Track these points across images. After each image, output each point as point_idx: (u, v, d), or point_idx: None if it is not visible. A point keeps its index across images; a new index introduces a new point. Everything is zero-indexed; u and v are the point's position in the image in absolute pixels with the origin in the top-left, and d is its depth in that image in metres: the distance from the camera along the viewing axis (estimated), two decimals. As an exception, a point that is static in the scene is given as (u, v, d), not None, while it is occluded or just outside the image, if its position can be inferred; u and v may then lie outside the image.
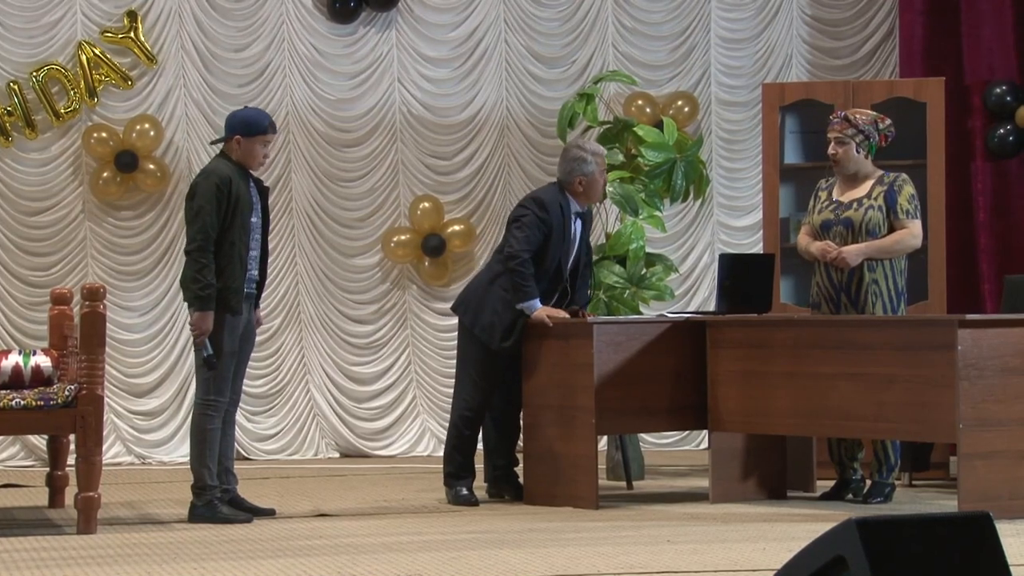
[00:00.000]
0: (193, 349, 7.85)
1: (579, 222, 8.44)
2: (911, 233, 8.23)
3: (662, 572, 6.01)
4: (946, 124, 9.62)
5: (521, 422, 8.52)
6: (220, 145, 8.01)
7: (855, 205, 8.25)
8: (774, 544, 6.73)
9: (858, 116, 8.30)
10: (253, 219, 7.76)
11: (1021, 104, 11.30)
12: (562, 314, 8.24)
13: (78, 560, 6.50)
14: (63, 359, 8.04)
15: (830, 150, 8.31)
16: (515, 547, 6.71)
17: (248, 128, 7.77)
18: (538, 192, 8.53)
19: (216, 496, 7.73)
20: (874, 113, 8.42)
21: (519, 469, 8.56)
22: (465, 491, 8.39)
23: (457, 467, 8.44)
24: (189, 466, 7.86)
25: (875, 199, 8.23)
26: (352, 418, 11.33)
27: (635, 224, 9.54)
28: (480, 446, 8.61)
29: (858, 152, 8.26)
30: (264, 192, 7.93)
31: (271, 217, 10.82)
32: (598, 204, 9.70)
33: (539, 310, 8.21)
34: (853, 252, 8.20)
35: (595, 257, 9.70)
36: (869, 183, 8.29)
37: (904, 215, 8.22)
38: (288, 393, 11.25)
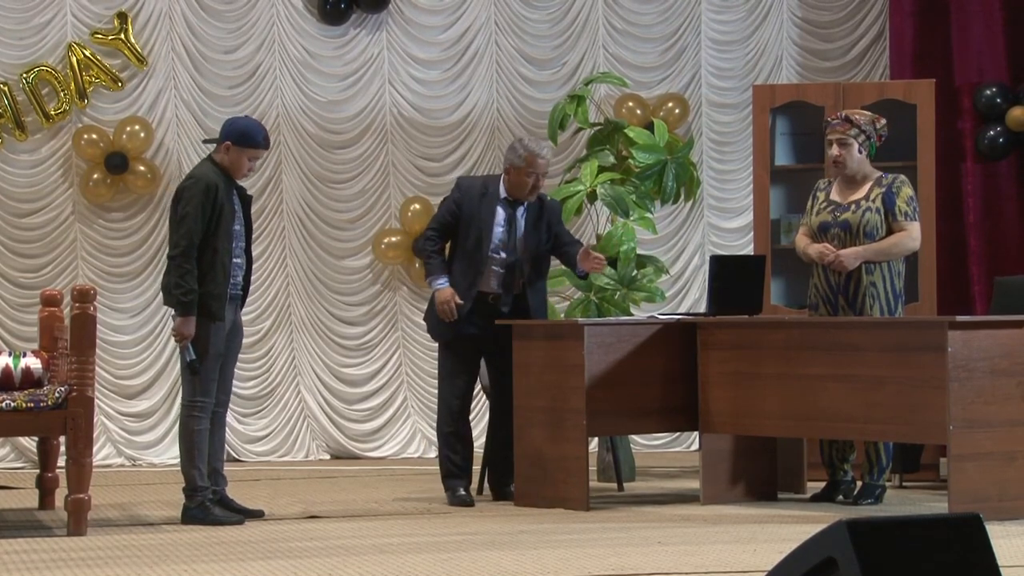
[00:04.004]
0: (178, 353, 7.86)
1: (518, 211, 8.49)
2: (909, 235, 8.21)
3: (653, 573, 6.02)
4: (936, 126, 9.63)
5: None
6: (211, 145, 8.02)
7: (853, 207, 8.23)
8: (765, 545, 6.73)
9: (857, 116, 8.29)
10: (236, 227, 7.75)
11: (1011, 106, 11.32)
12: (448, 310, 8.36)
13: (68, 562, 6.50)
14: (53, 361, 8.03)
15: (834, 152, 8.24)
16: (506, 548, 6.71)
17: (241, 138, 7.76)
18: (469, 176, 8.89)
19: (208, 497, 7.73)
20: (870, 113, 8.41)
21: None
22: (462, 491, 8.42)
23: (448, 467, 8.50)
24: (180, 468, 7.85)
25: (873, 201, 8.22)
26: (343, 420, 11.32)
27: (626, 226, 9.54)
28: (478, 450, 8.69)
29: (860, 152, 8.24)
30: (247, 201, 7.92)
31: (258, 222, 10.90)
32: (589, 205, 9.70)
33: (443, 290, 8.40)
34: (851, 255, 8.18)
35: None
36: (868, 185, 8.27)
37: (902, 217, 8.20)
38: (279, 395, 11.25)
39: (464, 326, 8.47)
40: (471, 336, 8.48)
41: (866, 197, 8.24)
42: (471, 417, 8.76)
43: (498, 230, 8.46)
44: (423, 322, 8.92)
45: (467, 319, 8.46)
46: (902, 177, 8.33)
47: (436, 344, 8.78)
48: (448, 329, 8.49)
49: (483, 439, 9.26)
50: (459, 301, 8.40)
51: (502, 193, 8.51)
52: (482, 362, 8.68)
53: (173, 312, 7.73)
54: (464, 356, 8.52)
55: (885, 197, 8.22)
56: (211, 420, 7.86)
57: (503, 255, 8.46)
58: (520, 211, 8.52)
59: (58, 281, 10.73)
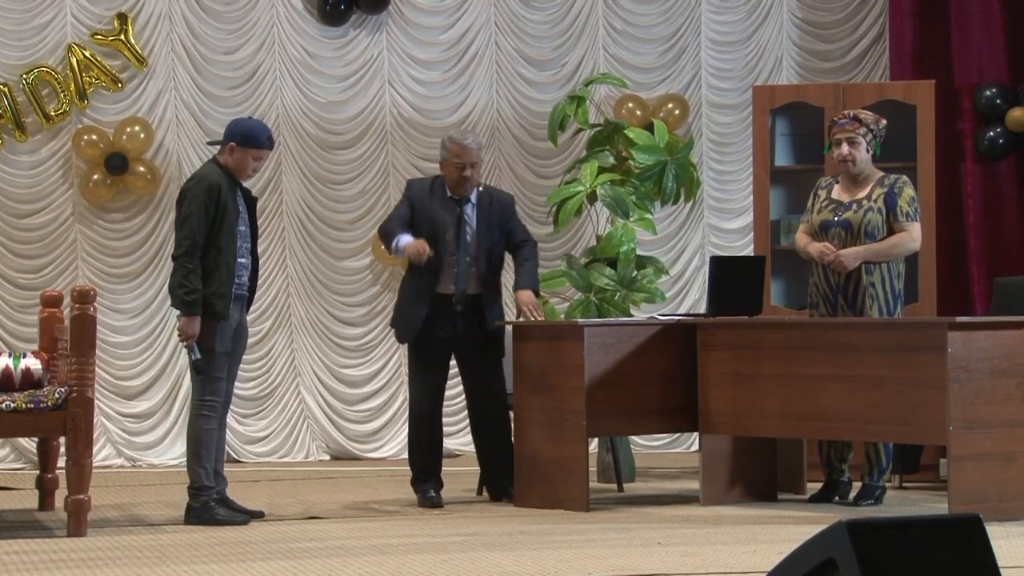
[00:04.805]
0: (183, 353, 7.87)
1: (466, 208, 8.47)
2: (910, 236, 8.21)
3: (653, 574, 6.02)
4: (936, 126, 9.63)
5: (509, 423, 8.54)
6: (215, 147, 8.04)
7: (854, 207, 8.23)
8: (765, 546, 6.73)
9: (864, 115, 8.29)
10: (240, 227, 7.77)
11: (1011, 106, 11.32)
12: (423, 248, 8.25)
13: (68, 563, 6.50)
14: (53, 362, 8.03)
15: (843, 151, 8.21)
16: (506, 549, 6.71)
17: (245, 139, 7.78)
18: (415, 179, 9.04)
19: (213, 497, 7.73)
20: (872, 113, 8.42)
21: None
22: (432, 492, 8.40)
23: (417, 470, 8.49)
24: (186, 466, 7.85)
25: (875, 201, 8.22)
26: (343, 420, 11.32)
27: (626, 226, 9.54)
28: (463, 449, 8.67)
29: (867, 151, 8.25)
30: (252, 202, 7.94)
31: (261, 222, 10.90)
32: (589, 205, 9.70)
33: (410, 242, 8.30)
34: (851, 256, 8.18)
35: (586, 260, 9.71)
36: (870, 184, 8.27)
37: (904, 218, 8.20)
38: (279, 395, 11.25)
39: (430, 329, 8.40)
40: (438, 339, 8.43)
41: (868, 197, 8.24)
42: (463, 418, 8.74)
43: (449, 230, 8.44)
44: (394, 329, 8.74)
45: (432, 322, 8.39)
46: (904, 178, 8.33)
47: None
48: (411, 330, 8.42)
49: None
50: (430, 252, 8.31)
51: (447, 192, 8.49)
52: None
53: (178, 312, 7.74)
54: (432, 359, 8.46)
55: (887, 197, 8.21)
56: (214, 420, 7.87)
57: (456, 255, 8.43)
58: (468, 208, 8.49)
59: (58, 282, 10.73)
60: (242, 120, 8.07)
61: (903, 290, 8.33)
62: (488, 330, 8.47)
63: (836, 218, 8.26)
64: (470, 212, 8.47)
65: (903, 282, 8.32)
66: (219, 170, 7.79)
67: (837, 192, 8.33)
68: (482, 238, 8.46)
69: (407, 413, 11.28)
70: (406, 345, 8.68)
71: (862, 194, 8.26)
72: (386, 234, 8.51)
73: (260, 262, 10.91)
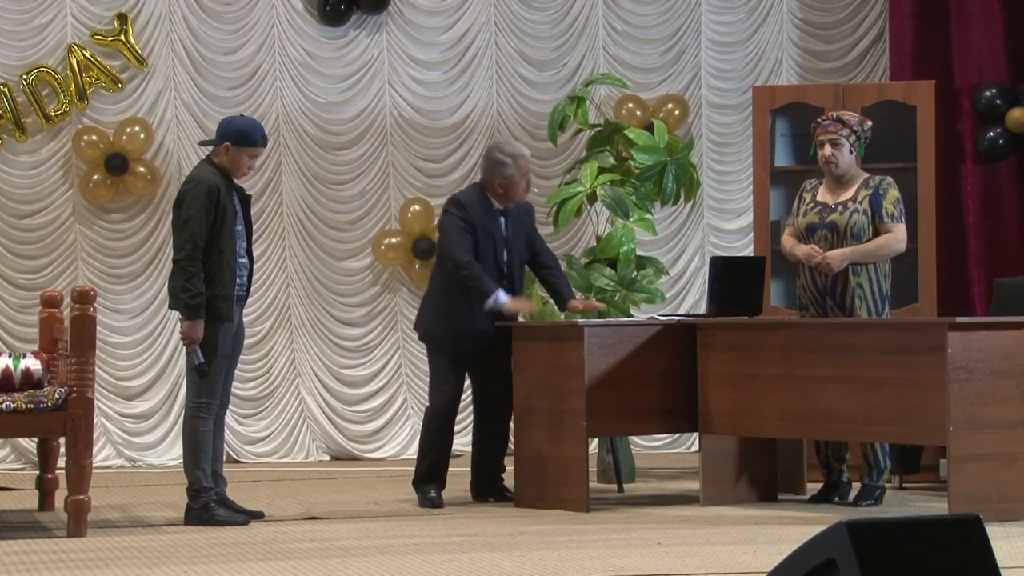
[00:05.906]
0: (184, 354, 7.85)
1: (507, 218, 8.46)
2: (896, 237, 8.24)
3: (652, 575, 6.02)
4: (936, 127, 9.63)
5: (511, 427, 8.53)
6: (208, 147, 8.02)
7: (840, 208, 8.25)
8: (765, 547, 6.74)
9: (848, 116, 8.31)
10: (238, 227, 7.75)
11: (1011, 107, 11.32)
12: (530, 305, 8.43)
13: (68, 563, 6.50)
14: (53, 362, 8.03)
15: (827, 152, 8.24)
16: (506, 550, 6.71)
17: (240, 138, 7.75)
18: (457, 193, 8.68)
19: (212, 498, 7.73)
20: (857, 115, 8.44)
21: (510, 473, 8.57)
22: (433, 493, 8.40)
23: (426, 472, 8.47)
24: (183, 469, 7.84)
25: (860, 202, 8.23)
26: (343, 421, 11.32)
27: (626, 227, 9.54)
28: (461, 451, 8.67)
29: (851, 153, 8.27)
30: (247, 201, 7.91)
31: (257, 223, 10.91)
32: (589, 206, 9.71)
33: (509, 301, 8.26)
34: (837, 257, 8.19)
35: (586, 260, 9.71)
36: (854, 186, 8.29)
37: (889, 219, 8.22)
38: (278, 396, 11.25)
39: (487, 341, 8.38)
40: (484, 344, 8.40)
41: (853, 199, 8.26)
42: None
43: (499, 243, 8.43)
44: (426, 340, 8.65)
45: (495, 336, 8.38)
46: (889, 179, 8.35)
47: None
48: (469, 350, 8.38)
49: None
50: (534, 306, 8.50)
51: (496, 206, 8.45)
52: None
53: (179, 316, 7.71)
54: (460, 364, 8.47)
55: (872, 199, 8.23)
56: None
57: (506, 268, 8.43)
58: (507, 218, 8.48)
59: (58, 282, 10.73)
60: (235, 119, 8.02)
61: (890, 290, 8.35)
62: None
63: (822, 220, 8.27)
64: (509, 222, 8.48)
65: (889, 282, 8.34)
66: (215, 170, 7.76)
67: (822, 194, 8.35)
68: (519, 247, 8.49)
69: (409, 413, 11.39)
70: (410, 342, 8.68)
71: (847, 196, 8.27)
72: (471, 276, 8.25)
73: (260, 263, 10.99)
